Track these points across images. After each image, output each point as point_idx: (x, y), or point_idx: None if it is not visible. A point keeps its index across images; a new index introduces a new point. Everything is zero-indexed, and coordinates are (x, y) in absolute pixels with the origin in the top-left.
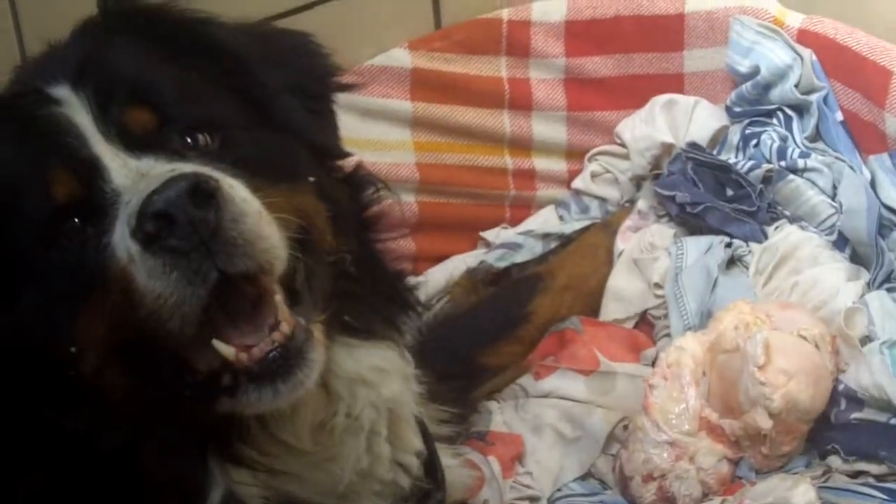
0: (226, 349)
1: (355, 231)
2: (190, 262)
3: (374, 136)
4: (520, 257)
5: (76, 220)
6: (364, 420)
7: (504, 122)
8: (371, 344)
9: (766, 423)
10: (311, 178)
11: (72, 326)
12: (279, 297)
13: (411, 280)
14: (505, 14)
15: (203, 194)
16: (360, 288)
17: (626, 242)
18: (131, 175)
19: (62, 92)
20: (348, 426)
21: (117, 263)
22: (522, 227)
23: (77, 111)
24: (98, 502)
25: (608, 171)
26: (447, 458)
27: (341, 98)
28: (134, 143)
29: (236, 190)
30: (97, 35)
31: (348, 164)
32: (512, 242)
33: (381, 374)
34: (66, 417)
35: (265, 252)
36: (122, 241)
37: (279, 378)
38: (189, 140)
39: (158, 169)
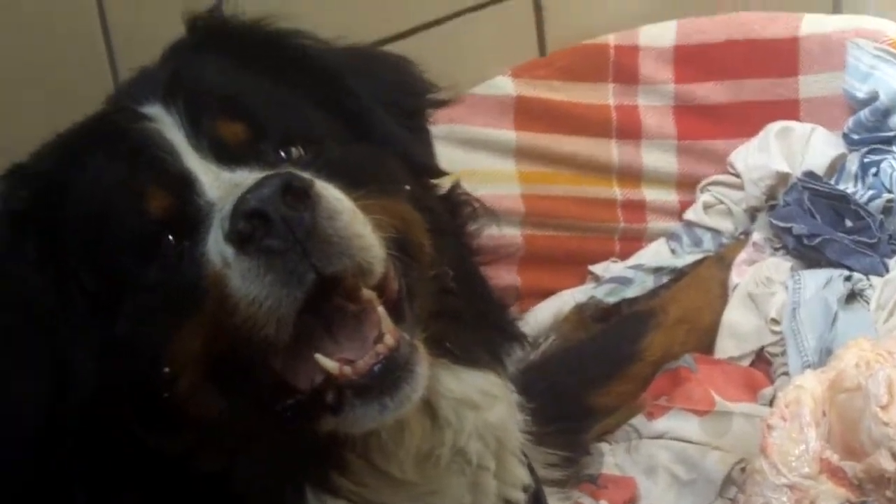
0: (329, 363)
1: (456, 248)
2: (286, 262)
3: (477, 166)
4: (630, 292)
5: (171, 235)
6: (471, 452)
7: (612, 151)
8: (474, 369)
9: (890, 465)
10: (408, 188)
11: (168, 345)
12: (381, 309)
13: (516, 315)
14: (612, 39)
15: (296, 192)
16: (462, 309)
17: (741, 276)
18: (224, 187)
19: (153, 109)
20: (454, 457)
21: (212, 271)
22: (633, 260)
23: (168, 127)
24: None
25: (721, 202)
26: (556, 503)
27: (442, 129)
28: (227, 157)
29: (330, 190)
30: (186, 53)
31: (445, 184)
32: (622, 277)
33: (488, 397)
34: (160, 439)
35: (362, 250)
36: (215, 246)
37: (386, 392)
38: (282, 153)
39: (252, 179)
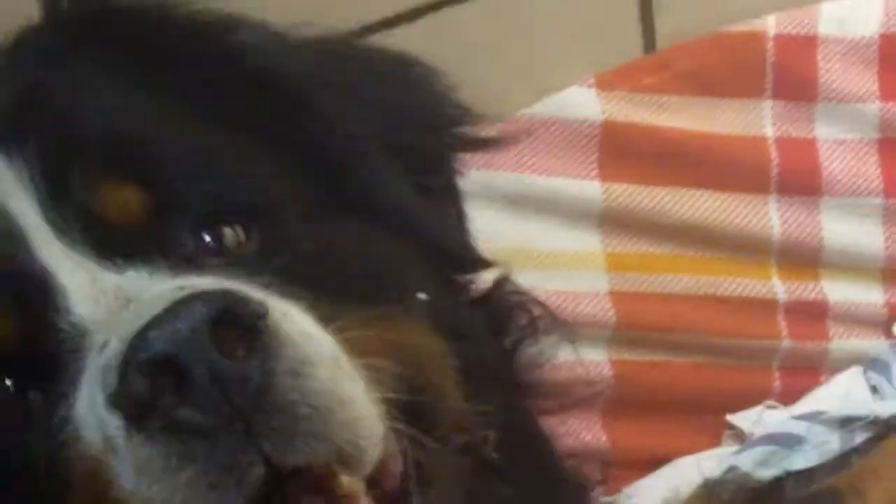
0: None
1: (502, 391)
2: (215, 449)
3: (537, 242)
4: (801, 460)
5: (8, 381)
6: None
7: (770, 214)
8: None
9: None
10: (423, 297)
11: None
12: None
13: (604, 499)
14: (772, 24)
15: (239, 328)
16: (510, 495)
17: None
18: (106, 300)
19: None
20: None
21: (83, 454)
22: (804, 405)
23: (12, 189)
24: None
25: None
26: None
27: (478, 180)
28: (111, 245)
29: (295, 320)
30: (44, 56)
31: (486, 279)
32: (785, 433)
33: None
34: None
35: (348, 428)
36: (91, 413)
37: None
38: (208, 238)
39: (156, 288)
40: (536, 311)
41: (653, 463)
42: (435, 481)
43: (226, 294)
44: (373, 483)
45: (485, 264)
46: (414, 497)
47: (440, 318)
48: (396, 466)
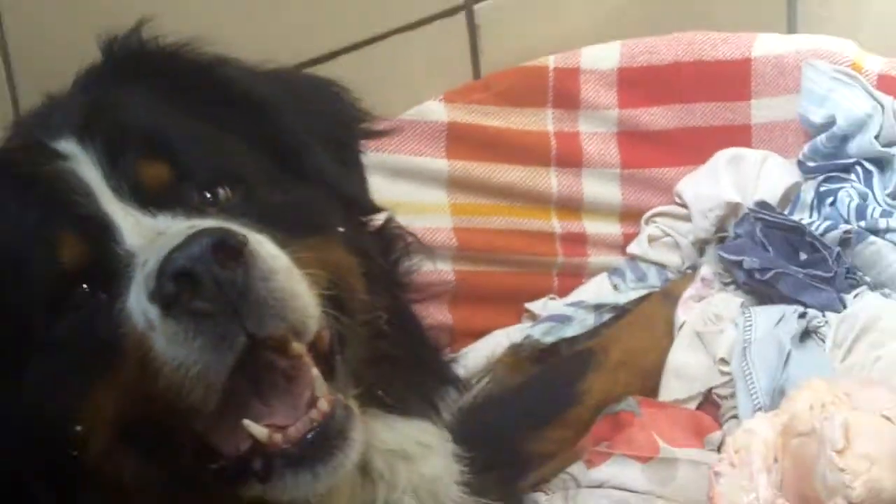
0: (258, 430)
1: (388, 287)
2: (216, 325)
3: (407, 197)
4: (569, 331)
5: (85, 286)
6: None
7: (551, 181)
8: (408, 418)
9: None
10: (341, 230)
11: (80, 404)
12: (315, 371)
13: (449, 354)
14: (552, 61)
15: (229, 251)
16: (396, 354)
17: (687, 313)
18: (146, 234)
19: (67, 146)
20: None
21: (133, 331)
22: (572, 297)
23: (84, 166)
24: None
25: (667, 235)
26: None
27: (371, 157)
28: (148, 200)
29: (265, 246)
30: (103, 83)
31: (378, 218)
32: (560, 315)
33: (423, 448)
34: (67, 501)
35: (298, 311)
36: (138, 305)
37: (319, 461)
38: (209, 195)
39: (177, 226)
40: (409, 239)
41: (479, 334)
42: (349, 344)
43: (221, 229)
44: (311, 346)
45: (377, 209)
46: (336, 355)
47: (352, 243)
48: (326, 335)
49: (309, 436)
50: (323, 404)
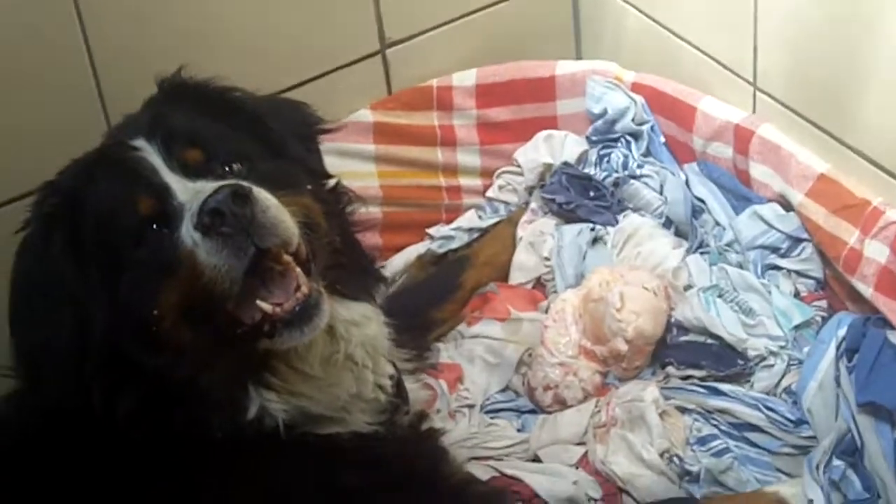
0: (265, 306)
1: (340, 223)
2: (235, 241)
3: (350, 169)
4: (454, 245)
5: (154, 226)
6: (357, 356)
7: (437, 155)
8: (356, 301)
9: (623, 347)
10: (309, 187)
11: (155, 297)
12: (298, 270)
13: (380, 263)
14: (434, 82)
15: (241, 196)
16: (346, 262)
17: (524, 231)
18: (190, 193)
19: (139, 142)
20: (346, 360)
21: (185, 249)
22: (454, 224)
23: (151, 154)
24: (174, 415)
25: (510, 185)
26: (410, 383)
27: (326, 146)
28: (190, 172)
29: (263, 193)
30: (160, 103)
31: (331, 182)
32: (448, 235)
33: (366, 318)
34: (151, 359)
35: (285, 231)
36: (187, 233)
37: (303, 323)
38: (227, 168)
39: (209, 187)
40: (350, 194)
41: (398, 249)
42: (318, 256)
43: (235, 184)
44: (295, 257)
45: (330, 176)
46: (310, 262)
47: (316, 195)
48: (304, 250)
49: (296, 308)
50: (304, 289)
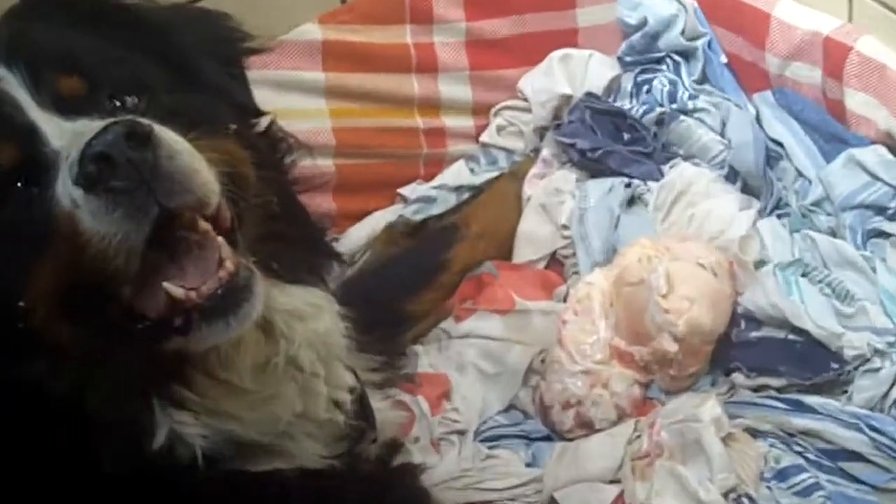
0: (176, 290)
1: (277, 179)
2: (132, 199)
3: (291, 106)
4: (435, 210)
5: (19, 182)
6: (302, 359)
7: (413, 85)
8: (300, 286)
9: (672, 347)
10: (233, 127)
11: (22, 282)
12: (221, 239)
13: (333, 236)
14: None
15: (139, 136)
16: (285, 233)
17: (532, 189)
18: (67, 136)
19: None
20: (287, 365)
21: (62, 212)
22: (436, 181)
23: (11, 84)
24: (51, 444)
25: (513, 125)
26: (377, 401)
27: (257, 74)
28: (67, 109)
29: (168, 133)
30: (22, 18)
31: (263, 122)
32: (427, 196)
33: (315, 308)
34: (18, 366)
35: (200, 186)
36: (64, 189)
37: (229, 311)
38: (118, 102)
39: (93, 126)
40: (290, 140)
41: (359, 217)
42: (245, 223)
43: (130, 120)
44: (216, 224)
45: (261, 113)
46: (236, 231)
47: (243, 138)
48: (226, 214)
49: (219, 291)
50: (228, 265)
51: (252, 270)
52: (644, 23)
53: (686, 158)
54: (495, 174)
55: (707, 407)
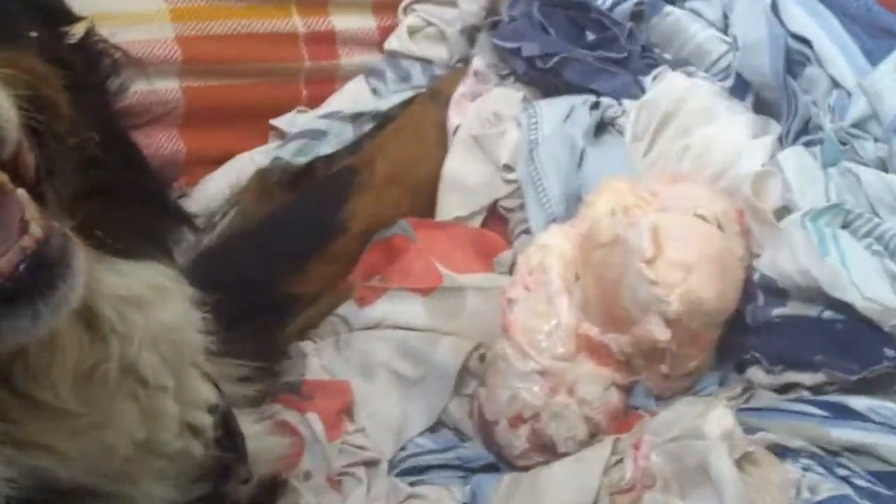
0: None
1: (99, 108)
2: None
3: (117, 7)
4: (325, 148)
5: None
6: (144, 366)
7: None
8: (135, 261)
9: (663, 333)
10: (34, 35)
11: None
12: (22, 191)
13: (182, 188)
14: None
15: None
16: (113, 185)
17: (461, 115)
18: None
19: None
20: (124, 375)
21: None
22: (325, 108)
23: None
24: None
25: (431, 24)
26: (250, 426)
27: None
28: None
29: None
30: None
31: (78, 30)
32: (313, 129)
33: (156, 292)
34: None
35: None
36: None
37: (38, 295)
38: None
39: None
40: (117, 55)
41: (219, 161)
42: (57, 172)
43: None
44: (15, 176)
45: (74, 18)
46: (44, 183)
47: (48, 52)
48: (28, 158)
49: (22, 267)
50: (35, 230)
51: (68, 237)
52: None
53: (675, 66)
54: (408, 95)
55: (714, 417)
